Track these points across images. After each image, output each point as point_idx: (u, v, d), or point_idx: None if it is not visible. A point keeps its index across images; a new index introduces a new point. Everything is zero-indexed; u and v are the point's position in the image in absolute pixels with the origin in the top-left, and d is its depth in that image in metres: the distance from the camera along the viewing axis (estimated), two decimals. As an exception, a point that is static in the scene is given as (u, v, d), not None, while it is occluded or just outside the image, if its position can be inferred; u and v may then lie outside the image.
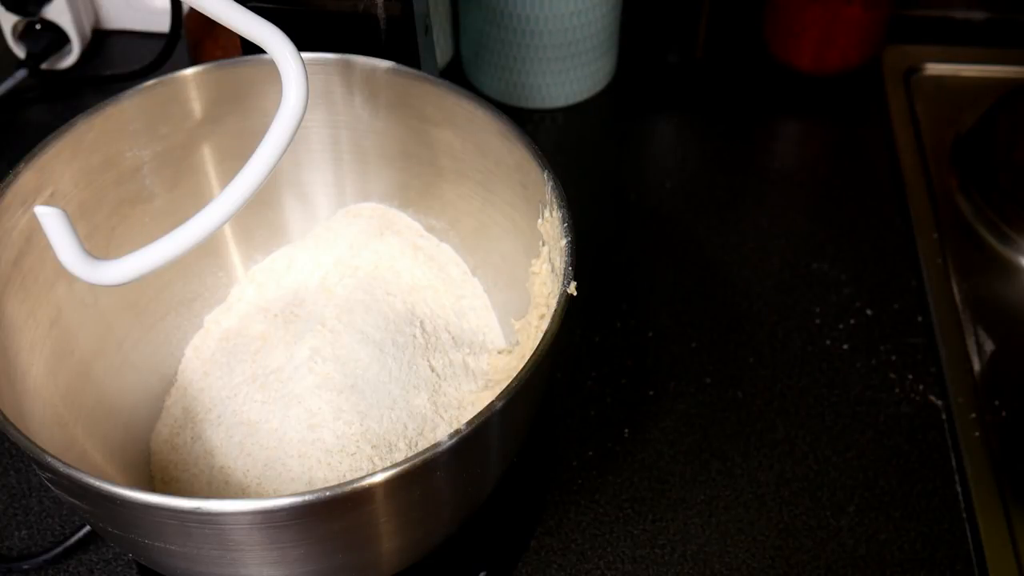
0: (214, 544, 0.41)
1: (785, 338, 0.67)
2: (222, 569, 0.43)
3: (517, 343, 0.54)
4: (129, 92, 0.53)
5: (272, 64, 0.44)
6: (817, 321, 0.68)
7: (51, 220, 0.40)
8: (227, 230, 0.60)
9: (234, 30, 0.44)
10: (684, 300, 0.70)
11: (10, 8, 0.80)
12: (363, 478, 0.39)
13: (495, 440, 0.45)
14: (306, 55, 0.45)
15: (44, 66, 0.83)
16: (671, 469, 0.61)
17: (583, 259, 0.47)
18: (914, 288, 0.70)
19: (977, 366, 0.66)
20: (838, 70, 0.83)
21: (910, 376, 0.65)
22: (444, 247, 0.60)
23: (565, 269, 0.46)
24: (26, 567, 0.57)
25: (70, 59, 0.84)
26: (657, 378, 0.65)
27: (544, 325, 0.45)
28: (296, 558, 0.42)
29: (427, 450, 0.40)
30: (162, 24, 0.79)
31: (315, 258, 0.61)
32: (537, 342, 0.44)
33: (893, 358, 0.66)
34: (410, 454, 0.43)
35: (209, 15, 0.44)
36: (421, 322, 0.57)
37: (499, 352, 0.56)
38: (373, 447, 0.51)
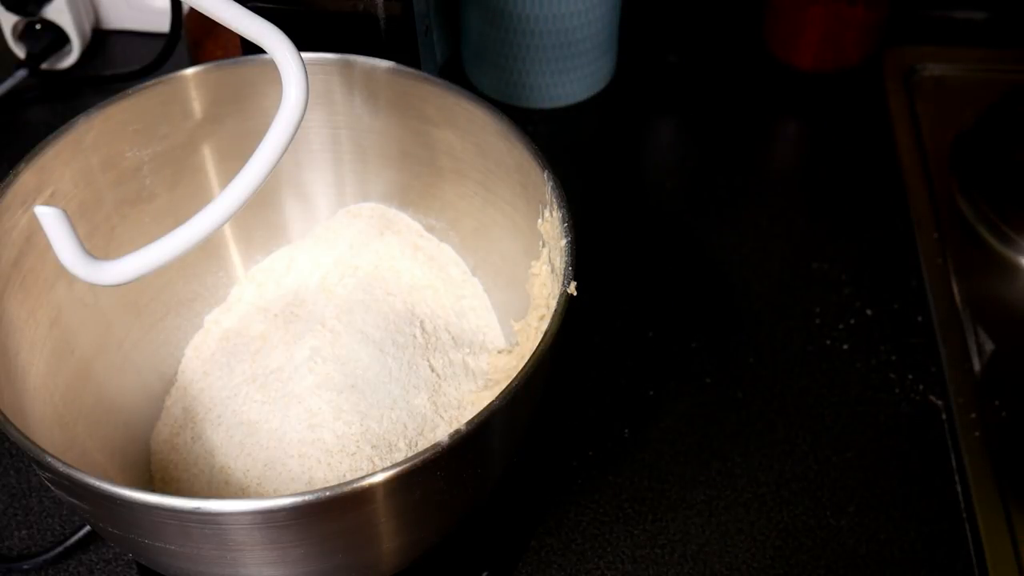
0: (214, 544, 0.41)
1: (785, 338, 0.67)
2: (222, 569, 0.43)
3: (517, 343, 0.54)
4: (129, 92, 0.53)
5: (272, 64, 0.44)
6: (817, 321, 0.68)
7: (51, 220, 0.40)
8: (227, 230, 0.60)
9: (234, 30, 0.44)
10: (684, 300, 0.70)
11: (10, 8, 0.80)
12: (363, 478, 0.39)
13: (495, 440, 0.45)
14: (306, 55, 0.45)
15: (44, 66, 0.83)
16: (671, 469, 0.61)
17: (583, 259, 0.47)
18: (914, 288, 0.70)
19: (977, 366, 0.66)
20: (838, 70, 0.83)
21: (910, 376, 0.65)
22: (444, 247, 0.60)
23: (565, 269, 0.46)
24: (26, 567, 0.57)
25: (70, 59, 0.84)
26: (657, 378, 0.65)
27: (544, 326, 0.45)
28: (296, 558, 0.42)
29: (427, 450, 0.40)
30: (162, 24, 0.79)
31: (315, 258, 0.61)
32: (537, 342, 0.44)
33: (893, 358, 0.66)
34: (410, 454, 0.43)
35: (209, 15, 0.44)
36: (421, 322, 0.57)
37: (499, 352, 0.56)
38: (373, 447, 0.51)
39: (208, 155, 0.57)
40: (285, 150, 0.43)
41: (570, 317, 0.45)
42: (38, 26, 0.82)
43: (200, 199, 0.56)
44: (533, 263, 0.52)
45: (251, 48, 0.47)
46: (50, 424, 0.49)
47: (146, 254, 0.42)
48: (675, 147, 0.81)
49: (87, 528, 0.57)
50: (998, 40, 0.87)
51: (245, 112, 0.56)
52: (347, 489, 0.39)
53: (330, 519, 0.40)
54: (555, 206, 0.49)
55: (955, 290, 0.69)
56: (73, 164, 0.52)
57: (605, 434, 0.63)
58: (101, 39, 0.88)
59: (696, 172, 0.79)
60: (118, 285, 0.42)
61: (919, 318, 0.68)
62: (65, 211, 0.40)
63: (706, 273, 0.71)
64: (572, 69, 0.80)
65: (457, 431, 0.40)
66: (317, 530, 0.41)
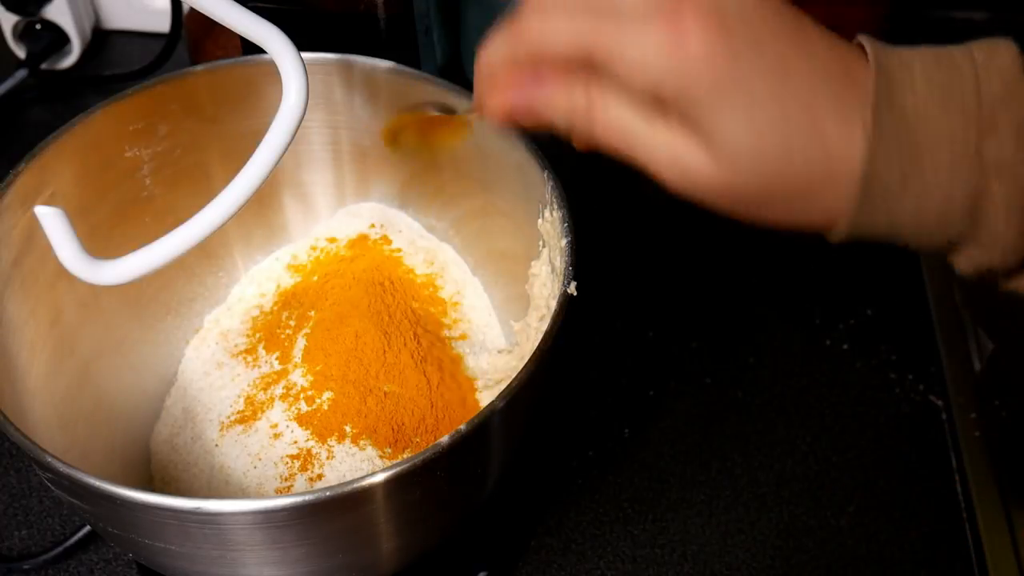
0: (214, 544, 0.41)
1: (785, 338, 0.67)
2: (222, 569, 0.43)
3: (517, 343, 0.54)
4: (129, 92, 0.53)
5: (272, 64, 0.44)
6: (817, 321, 0.68)
7: (51, 220, 0.40)
8: (227, 230, 0.60)
9: (234, 30, 0.44)
10: (684, 300, 0.70)
11: (10, 8, 0.80)
12: (363, 478, 0.39)
13: (495, 440, 0.45)
14: (306, 55, 0.45)
15: (44, 66, 0.83)
16: (671, 469, 0.61)
17: (583, 259, 0.47)
18: (914, 288, 0.70)
19: (977, 366, 0.65)
20: (838, 70, 0.83)
21: (910, 376, 0.65)
22: (444, 247, 0.60)
23: (565, 269, 0.46)
24: (26, 567, 0.57)
25: (70, 59, 0.84)
26: (657, 378, 0.65)
27: (544, 326, 0.45)
28: (296, 558, 0.42)
29: (427, 450, 0.40)
30: (162, 24, 0.79)
31: (314, 258, 0.61)
32: (537, 342, 0.44)
33: (893, 358, 0.66)
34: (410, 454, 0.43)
35: (209, 15, 0.44)
36: (421, 322, 0.57)
37: (499, 352, 0.56)
38: (373, 447, 0.51)
39: (208, 155, 0.57)
40: (285, 150, 0.43)
41: (570, 317, 0.45)
42: (38, 26, 0.82)
43: (200, 199, 0.55)
44: (533, 263, 0.52)
45: (251, 48, 0.47)
46: (50, 424, 0.49)
47: (146, 254, 0.42)
48: (675, 147, 0.81)
49: (87, 528, 0.57)
50: (998, 40, 0.87)
51: (245, 112, 0.56)
52: (347, 489, 0.39)
53: (330, 519, 0.40)
54: (555, 206, 0.49)
55: (955, 290, 0.69)
56: (73, 164, 0.52)
57: (605, 434, 0.63)
58: (101, 39, 0.88)
59: (696, 172, 0.78)
60: (118, 285, 0.42)
61: (919, 318, 0.68)
62: (65, 211, 0.40)
63: (706, 273, 0.71)
64: (572, 69, 0.80)
65: (457, 431, 0.40)
66: (317, 530, 0.41)
